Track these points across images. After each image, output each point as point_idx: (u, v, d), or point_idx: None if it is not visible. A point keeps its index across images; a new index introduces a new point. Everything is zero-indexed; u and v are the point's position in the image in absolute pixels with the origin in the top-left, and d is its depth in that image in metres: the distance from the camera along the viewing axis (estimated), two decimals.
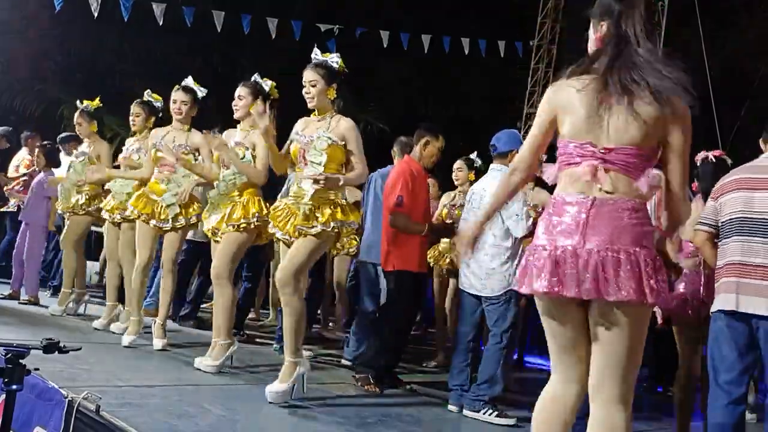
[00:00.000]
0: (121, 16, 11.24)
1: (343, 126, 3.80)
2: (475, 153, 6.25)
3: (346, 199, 3.86)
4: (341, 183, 3.70)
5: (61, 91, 13.08)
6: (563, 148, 2.26)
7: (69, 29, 13.14)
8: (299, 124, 3.94)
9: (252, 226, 4.27)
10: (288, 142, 3.95)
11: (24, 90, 13.51)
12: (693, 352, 4.02)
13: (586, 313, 2.21)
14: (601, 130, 2.18)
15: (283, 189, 5.14)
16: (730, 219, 3.42)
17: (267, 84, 4.38)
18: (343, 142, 3.78)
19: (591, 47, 2.35)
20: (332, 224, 3.70)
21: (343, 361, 5.24)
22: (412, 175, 4.67)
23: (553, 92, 2.31)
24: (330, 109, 3.85)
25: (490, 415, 4.03)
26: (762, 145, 3.60)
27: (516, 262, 4.12)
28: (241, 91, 4.37)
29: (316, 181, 3.62)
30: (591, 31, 2.36)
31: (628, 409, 2.17)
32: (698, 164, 4.39)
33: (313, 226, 3.69)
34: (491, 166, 4.43)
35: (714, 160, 4.31)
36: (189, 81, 4.94)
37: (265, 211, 4.23)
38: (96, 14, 11.00)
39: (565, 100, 2.25)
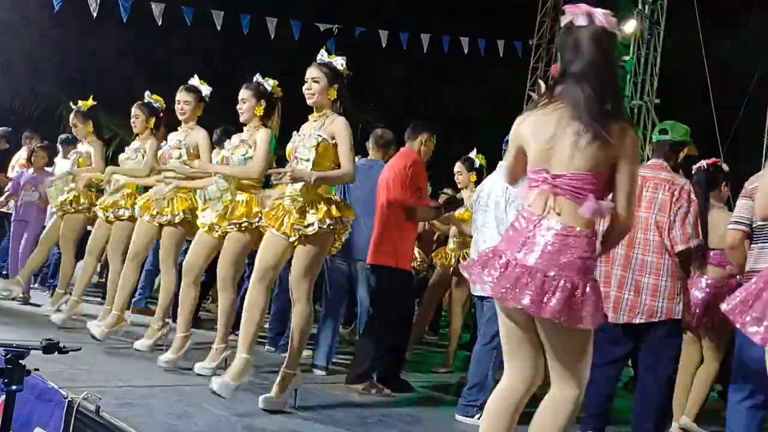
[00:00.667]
0: (120, 16, 11.24)
1: (335, 124, 3.75)
2: (474, 151, 6.20)
3: (341, 197, 3.86)
4: (313, 178, 3.61)
5: (60, 91, 13.09)
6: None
7: (68, 29, 13.14)
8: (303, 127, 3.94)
9: (254, 226, 4.24)
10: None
11: (23, 90, 13.51)
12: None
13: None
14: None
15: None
16: None
17: (269, 84, 4.36)
18: (334, 140, 3.74)
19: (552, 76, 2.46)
20: (328, 221, 3.67)
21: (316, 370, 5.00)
22: (420, 166, 4.68)
23: (518, 124, 2.45)
24: (328, 108, 3.84)
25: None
26: None
27: None
28: (243, 94, 4.34)
29: (284, 176, 3.63)
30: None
31: (581, 387, 2.34)
32: (693, 173, 4.40)
33: (309, 224, 3.69)
34: (500, 163, 4.35)
35: (706, 167, 4.33)
36: (194, 80, 4.91)
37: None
38: (95, 14, 11.01)
39: (526, 131, 2.39)
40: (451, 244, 6.03)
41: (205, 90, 4.87)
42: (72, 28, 13.03)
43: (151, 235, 4.89)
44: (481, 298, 4.17)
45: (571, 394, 2.33)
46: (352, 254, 4.87)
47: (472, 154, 6.19)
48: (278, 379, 3.66)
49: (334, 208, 3.71)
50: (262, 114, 4.26)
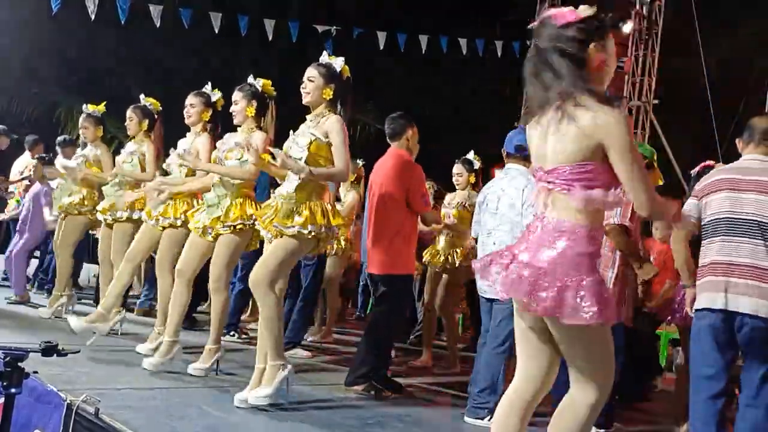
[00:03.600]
0: (118, 17, 11.22)
1: (329, 122, 3.75)
2: (472, 153, 6.19)
3: (333, 203, 3.86)
4: (304, 173, 3.62)
5: (58, 93, 13.08)
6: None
7: (66, 31, 13.12)
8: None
9: (247, 227, 4.26)
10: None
11: (21, 92, 13.50)
12: None
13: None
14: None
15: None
16: (716, 219, 3.45)
17: (259, 83, 4.37)
18: (327, 139, 3.74)
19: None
20: (309, 228, 3.64)
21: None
22: (412, 166, 4.63)
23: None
24: (324, 108, 3.83)
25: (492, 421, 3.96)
26: (740, 145, 3.61)
27: None
28: (236, 96, 4.36)
29: (279, 158, 3.63)
30: None
31: (600, 392, 2.28)
32: (691, 175, 4.41)
33: (291, 226, 3.67)
34: (507, 166, 4.30)
35: (698, 172, 4.34)
36: (206, 88, 4.87)
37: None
38: (93, 16, 10.99)
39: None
40: (441, 243, 6.02)
41: (213, 96, 4.84)
42: (70, 29, 13.01)
43: (154, 240, 4.89)
44: (491, 300, 4.15)
45: (587, 397, 2.29)
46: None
47: (470, 155, 6.18)
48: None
49: (319, 214, 3.69)
50: (254, 114, 4.28)
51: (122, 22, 11.28)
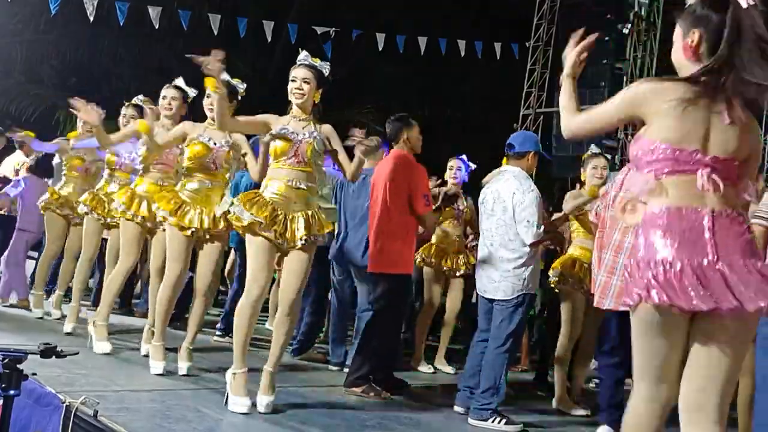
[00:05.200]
0: (117, 19, 11.23)
1: (327, 129, 3.86)
2: (464, 156, 6.12)
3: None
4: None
5: (57, 95, 13.06)
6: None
7: (65, 33, 13.12)
8: (281, 120, 3.83)
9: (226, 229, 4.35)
10: (267, 139, 3.76)
11: (20, 94, 13.48)
12: None
13: (689, 329, 2.14)
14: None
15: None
16: None
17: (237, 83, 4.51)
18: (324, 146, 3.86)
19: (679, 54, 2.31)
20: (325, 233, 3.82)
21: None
22: (413, 166, 4.63)
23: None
24: (310, 111, 3.86)
25: (498, 423, 3.96)
26: None
27: (531, 267, 4.12)
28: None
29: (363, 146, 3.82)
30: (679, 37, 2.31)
31: (724, 427, 2.11)
32: None
33: (313, 234, 3.70)
34: (503, 167, 4.34)
35: None
36: (179, 81, 4.94)
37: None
38: (92, 18, 10.99)
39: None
40: (434, 240, 6.00)
41: (191, 92, 4.93)
42: (69, 31, 13.01)
43: (140, 242, 4.89)
44: (491, 300, 4.17)
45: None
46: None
47: (464, 157, 6.12)
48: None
49: (317, 224, 3.75)
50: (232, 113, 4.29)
51: (121, 24, 11.29)
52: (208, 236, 4.33)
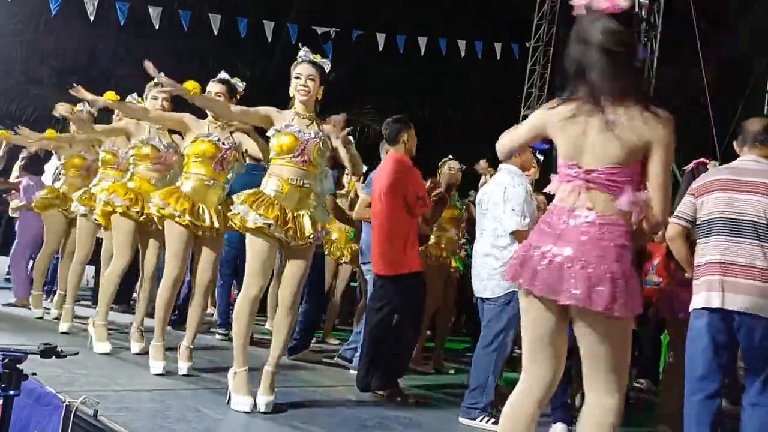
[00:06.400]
0: (117, 19, 11.24)
1: (328, 128, 3.82)
2: (450, 156, 6.11)
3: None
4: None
5: (57, 95, 13.05)
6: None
7: (65, 33, 13.13)
8: (284, 115, 3.80)
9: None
10: (271, 134, 3.76)
11: (20, 94, 13.49)
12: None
13: (567, 314, 2.28)
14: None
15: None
16: (711, 218, 3.47)
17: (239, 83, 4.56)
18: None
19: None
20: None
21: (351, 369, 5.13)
22: (415, 173, 4.62)
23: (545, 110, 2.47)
24: (312, 109, 3.86)
25: (486, 422, 3.95)
26: (737, 149, 3.65)
27: None
28: (217, 88, 4.45)
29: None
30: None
31: (620, 394, 2.26)
32: (683, 175, 4.42)
33: (317, 232, 3.72)
34: (501, 166, 4.35)
35: (693, 168, 4.35)
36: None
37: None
38: (92, 18, 11.01)
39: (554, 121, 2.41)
40: (432, 239, 6.00)
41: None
42: (69, 31, 13.02)
43: (135, 239, 4.86)
44: (482, 299, 4.17)
45: (612, 403, 2.24)
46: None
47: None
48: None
49: (319, 223, 3.79)
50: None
51: (121, 24, 11.29)
52: (207, 235, 4.32)
